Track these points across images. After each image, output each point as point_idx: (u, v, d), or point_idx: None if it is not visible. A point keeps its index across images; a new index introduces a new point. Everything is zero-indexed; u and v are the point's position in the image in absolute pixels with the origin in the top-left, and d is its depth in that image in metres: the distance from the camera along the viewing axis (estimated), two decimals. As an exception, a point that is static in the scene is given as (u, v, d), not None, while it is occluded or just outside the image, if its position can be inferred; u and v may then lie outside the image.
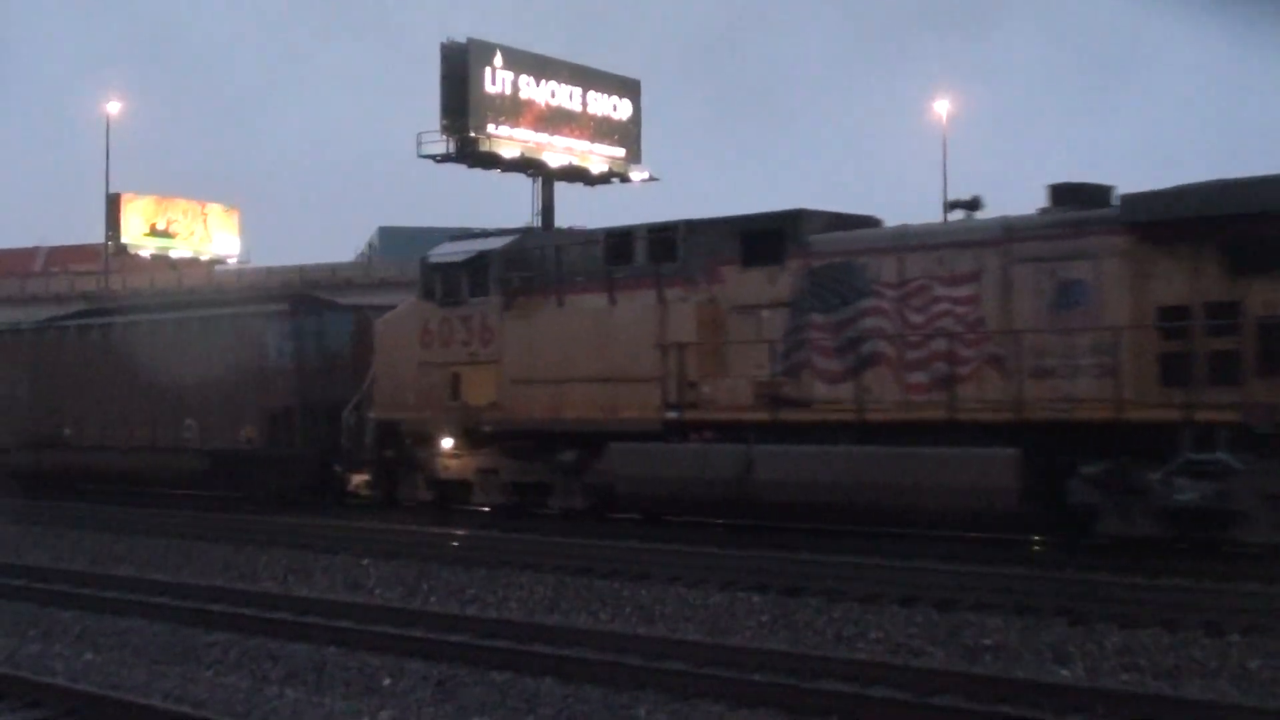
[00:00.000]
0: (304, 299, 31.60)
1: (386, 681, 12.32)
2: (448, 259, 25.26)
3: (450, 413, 24.87)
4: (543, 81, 55.91)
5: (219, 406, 29.38)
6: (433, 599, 17.22)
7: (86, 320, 34.99)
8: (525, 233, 27.53)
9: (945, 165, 70.84)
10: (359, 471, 27.81)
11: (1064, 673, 12.24)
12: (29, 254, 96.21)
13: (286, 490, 28.66)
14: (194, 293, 63.83)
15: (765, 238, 21.61)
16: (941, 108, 70.87)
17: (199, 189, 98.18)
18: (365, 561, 20.23)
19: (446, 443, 25.18)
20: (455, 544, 21.75)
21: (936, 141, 71.19)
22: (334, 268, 77.10)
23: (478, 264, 24.73)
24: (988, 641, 13.49)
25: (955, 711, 10.72)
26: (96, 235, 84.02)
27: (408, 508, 26.38)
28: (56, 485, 32.96)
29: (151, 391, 30.58)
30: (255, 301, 31.86)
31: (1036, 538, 19.45)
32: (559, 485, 23.75)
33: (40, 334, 35.46)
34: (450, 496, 25.62)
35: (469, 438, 24.94)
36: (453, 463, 25.27)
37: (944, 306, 19.79)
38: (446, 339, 24.97)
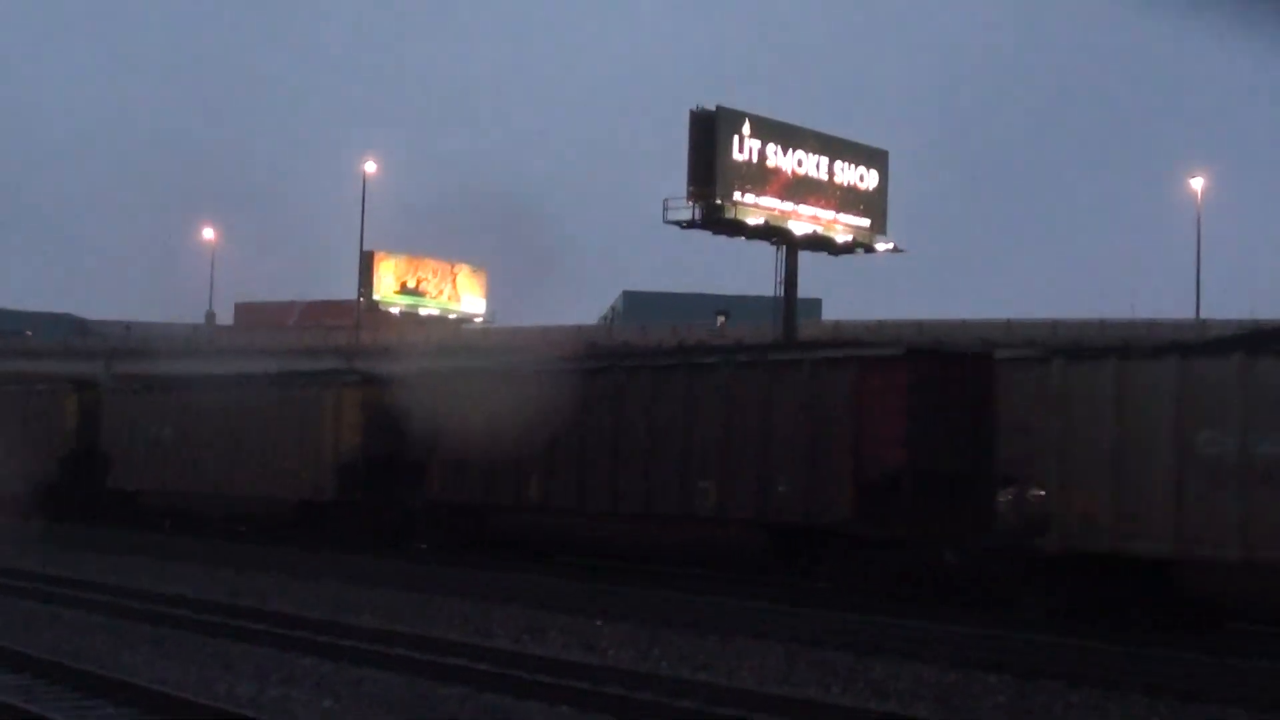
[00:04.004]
0: None
1: (616, 744, 12.36)
2: None
3: None
4: (790, 150, 55.99)
5: None
6: (664, 663, 17.22)
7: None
8: None
9: (1199, 246, 68.48)
10: None
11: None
12: (286, 308, 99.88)
13: None
14: None
15: None
16: (1197, 184, 69.43)
17: (446, 249, 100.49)
18: (599, 622, 20.35)
19: None
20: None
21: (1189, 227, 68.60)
22: (577, 330, 77.90)
23: None
24: (1235, 736, 13.01)
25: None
26: (350, 291, 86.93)
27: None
28: None
29: None
30: None
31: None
32: None
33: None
34: None
35: None
36: None
37: None
38: None
